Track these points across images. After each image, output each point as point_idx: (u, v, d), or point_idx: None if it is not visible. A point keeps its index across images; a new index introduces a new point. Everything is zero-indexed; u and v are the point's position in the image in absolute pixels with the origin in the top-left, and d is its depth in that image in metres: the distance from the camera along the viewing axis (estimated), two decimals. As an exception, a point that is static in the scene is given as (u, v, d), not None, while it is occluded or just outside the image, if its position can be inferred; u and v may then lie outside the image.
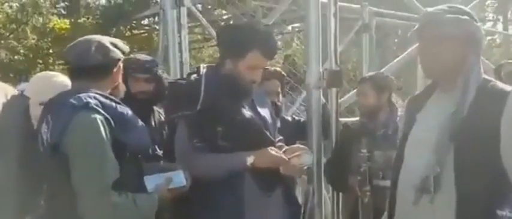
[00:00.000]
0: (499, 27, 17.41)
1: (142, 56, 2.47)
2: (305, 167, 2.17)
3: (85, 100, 1.69)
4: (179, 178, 1.86)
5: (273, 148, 2.03)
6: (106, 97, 1.77)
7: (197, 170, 1.95)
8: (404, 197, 1.72)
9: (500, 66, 2.37)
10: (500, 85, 1.66)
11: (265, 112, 2.16)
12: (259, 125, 2.08)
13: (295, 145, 2.15)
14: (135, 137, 1.76)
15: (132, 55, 2.42)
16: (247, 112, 2.06)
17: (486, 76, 1.69)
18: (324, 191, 2.63)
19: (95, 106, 1.69)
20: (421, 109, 1.78)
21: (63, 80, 2.16)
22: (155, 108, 2.55)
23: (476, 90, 1.62)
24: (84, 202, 1.64)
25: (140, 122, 1.85)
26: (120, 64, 1.88)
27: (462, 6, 1.74)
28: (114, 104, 1.76)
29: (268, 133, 2.09)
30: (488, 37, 15.07)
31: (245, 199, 1.97)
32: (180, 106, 2.02)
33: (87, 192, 1.64)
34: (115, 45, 1.84)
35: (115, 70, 1.85)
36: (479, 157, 1.55)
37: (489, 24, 17.30)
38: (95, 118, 1.66)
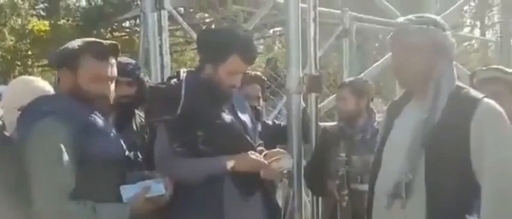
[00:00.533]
0: (477, 32, 17.75)
1: (124, 59, 2.44)
2: (285, 171, 2.18)
3: (50, 108, 1.68)
4: (158, 187, 1.81)
5: (253, 152, 2.04)
6: (73, 103, 1.75)
7: (177, 174, 1.95)
8: (379, 201, 1.76)
9: (473, 73, 2.42)
10: (473, 92, 1.71)
11: (245, 116, 2.17)
12: (239, 130, 2.09)
13: (275, 149, 2.16)
14: (101, 146, 1.73)
15: None
16: (227, 117, 2.07)
17: (460, 83, 1.73)
18: (303, 195, 2.64)
19: (58, 113, 1.67)
20: (399, 115, 1.83)
21: (43, 85, 2.14)
22: (136, 111, 2.54)
23: (449, 97, 1.66)
24: (37, 209, 1.62)
25: (110, 131, 1.82)
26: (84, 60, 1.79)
27: (430, 15, 1.80)
28: (83, 111, 1.74)
29: (248, 138, 2.11)
30: (466, 43, 15.33)
31: (225, 203, 1.98)
32: (160, 110, 2.02)
33: (40, 199, 1.62)
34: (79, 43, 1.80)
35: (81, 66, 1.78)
36: (450, 162, 1.60)
37: (467, 30, 17.63)
38: (55, 126, 1.65)
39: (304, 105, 2.59)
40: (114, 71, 1.86)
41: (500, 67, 2.40)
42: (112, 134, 1.82)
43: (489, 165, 1.57)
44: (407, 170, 1.63)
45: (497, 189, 1.56)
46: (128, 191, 1.76)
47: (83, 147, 1.67)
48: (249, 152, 2.02)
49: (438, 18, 1.78)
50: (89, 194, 1.66)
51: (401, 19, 1.80)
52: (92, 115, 1.76)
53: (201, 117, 1.98)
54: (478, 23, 18.61)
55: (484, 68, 2.46)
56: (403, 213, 1.65)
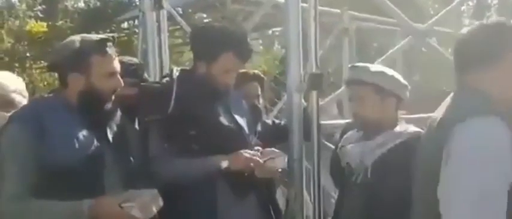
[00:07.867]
0: (475, 32, 17.79)
1: (127, 58, 2.38)
2: (279, 170, 2.16)
3: (21, 111, 1.74)
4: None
5: (247, 151, 2.01)
6: (55, 106, 1.75)
7: (171, 174, 1.92)
8: None
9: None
10: None
11: (240, 116, 2.14)
12: (232, 129, 2.06)
13: (269, 149, 2.13)
14: (59, 151, 1.69)
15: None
16: (221, 116, 2.04)
17: None
18: (305, 195, 2.62)
19: (26, 117, 1.68)
20: None
21: (7, 83, 2.12)
22: None
23: None
24: None
25: (80, 136, 1.74)
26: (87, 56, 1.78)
27: None
28: (59, 115, 1.72)
29: (242, 137, 2.08)
30: (465, 42, 15.31)
31: (218, 203, 1.96)
32: (151, 109, 1.99)
33: None
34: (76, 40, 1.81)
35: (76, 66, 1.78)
36: None
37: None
38: (18, 130, 1.66)
39: (305, 104, 2.57)
40: (117, 62, 1.87)
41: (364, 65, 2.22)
42: (81, 139, 1.74)
43: None
44: None
45: None
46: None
47: (41, 152, 1.67)
48: (243, 151, 1.99)
49: None
50: (55, 196, 1.65)
51: None
52: (62, 119, 1.73)
53: (193, 116, 1.95)
54: (476, 23, 18.65)
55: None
56: None
